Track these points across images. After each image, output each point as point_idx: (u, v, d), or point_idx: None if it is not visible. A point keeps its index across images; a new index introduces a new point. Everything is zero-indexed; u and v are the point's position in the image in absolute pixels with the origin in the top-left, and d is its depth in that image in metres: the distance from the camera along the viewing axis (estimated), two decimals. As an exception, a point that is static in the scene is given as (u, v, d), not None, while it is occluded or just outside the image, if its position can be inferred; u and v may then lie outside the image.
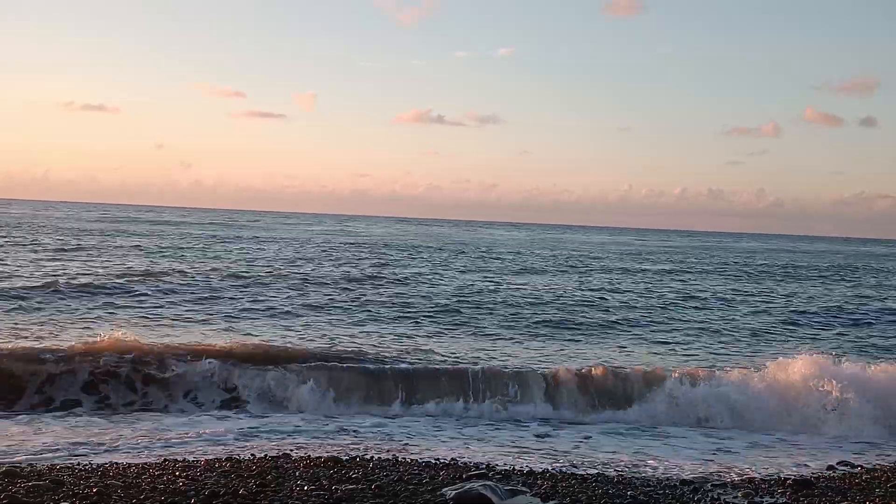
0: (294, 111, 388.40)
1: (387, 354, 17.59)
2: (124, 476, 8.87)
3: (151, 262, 35.61)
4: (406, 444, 11.70)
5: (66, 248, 40.52)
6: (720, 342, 22.36)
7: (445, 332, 21.49)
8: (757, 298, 34.07)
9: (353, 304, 25.33)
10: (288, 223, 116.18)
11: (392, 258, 47.51)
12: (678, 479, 10.16)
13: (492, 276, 38.87)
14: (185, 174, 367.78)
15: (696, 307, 29.80)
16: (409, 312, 24.19)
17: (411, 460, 10.49)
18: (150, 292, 24.55)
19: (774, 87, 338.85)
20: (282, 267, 36.64)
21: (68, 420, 12.28)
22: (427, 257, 50.41)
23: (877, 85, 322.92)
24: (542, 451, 11.64)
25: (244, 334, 19.20)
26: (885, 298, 36.46)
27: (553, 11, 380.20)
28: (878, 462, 11.83)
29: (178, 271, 31.19)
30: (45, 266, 30.57)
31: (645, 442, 12.61)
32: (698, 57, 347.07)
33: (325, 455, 10.47)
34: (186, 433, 11.61)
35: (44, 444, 10.76)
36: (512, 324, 23.24)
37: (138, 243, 48.13)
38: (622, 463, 11.17)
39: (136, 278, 27.49)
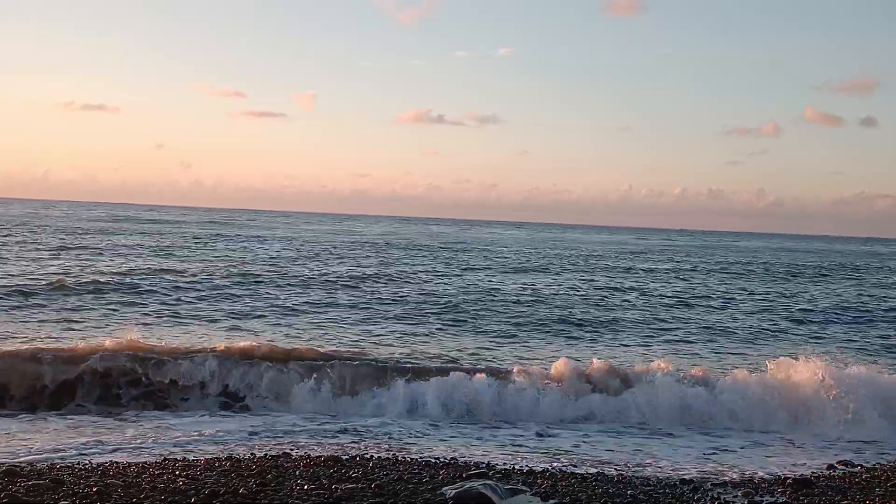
0: (294, 111, 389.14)
1: (388, 354, 17.59)
2: (124, 475, 8.87)
3: (153, 261, 35.61)
4: (406, 443, 11.69)
5: (68, 246, 40.52)
6: (728, 341, 22.26)
7: (446, 330, 21.47)
8: (763, 297, 34.02)
9: (354, 303, 25.33)
10: (288, 223, 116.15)
11: (392, 257, 47.51)
12: (678, 478, 10.16)
13: (494, 275, 38.85)
14: (185, 174, 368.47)
15: (702, 306, 29.75)
16: (409, 312, 24.18)
17: (411, 459, 10.48)
18: (153, 291, 24.55)
19: (774, 87, 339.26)
20: (283, 266, 36.65)
21: (73, 420, 12.25)
22: (428, 256, 50.41)
23: (877, 85, 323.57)
24: (541, 451, 11.63)
25: (248, 333, 19.22)
26: (886, 297, 36.46)
27: (553, 11, 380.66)
28: (878, 461, 11.82)
29: (180, 270, 31.19)
30: (47, 265, 30.57)
31: (644, 441, 12.60)
32: (698, 57, 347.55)
33: (325, 454, 10.47)
34: (190, 433, 11.59)
35: (48, 444, 10.73)
36: (514, 323, 23.23)
37: (140, 242, 48.14)
38: (622, 462, 11.17)
39: (139, 277, 27.50)
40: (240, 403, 13.55)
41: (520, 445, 11.93)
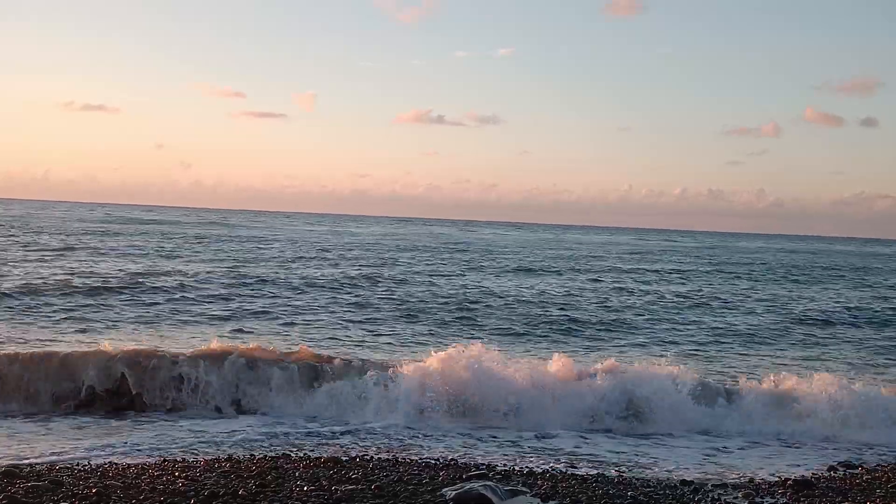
0: (294, 111, 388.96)
1: (384, 355, 17.59)
2: (123, 476, 8.85)
3: (154, 262, 35.63)
4: (406, 444, 11.67)
5: (69, 247, 40.52)
6: (747, 345, 22.11)
7: (448, 331, 21.44)
8: (772, 299, 33.93)
9: (355, 303, 25.31)
10: (288, 223, 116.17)
11: (393, 258, 47.48)
12: (678, 479, 10.15)
13: (496, 275, 38.84)
14: (184, 174, 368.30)
15: (714, 308, 29.70)
16: (411, 312, 24.16)
17: (411, 460, 10.48)
18: (154, 292, 24.53)
19: (774, 87, 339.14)
20: (284, 267, 36.64)
21: (79, 422, 12.21)
22: (429, 257, 50.39)
23: (877, 85, 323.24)
24: (542, 452, 11.61)
25: (249, 335, 19.22)
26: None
27: (553, 11, 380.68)
28: (878, 463, 11.80)
29: (182, 271, 31.20)
30: (51, 266, 30.56)
31: (644, 443, 12.58)
32: (698, 57, 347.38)
33: (325, 455, 10.46)
34: (190, 436, 11.57)
35: (55, 446, 10.71)
36: (516, 324, 23.22)
37: (141, 243, 48.13)
38: (622, 463, 11.15)
39: (140, 278, 27.49)
40: (242, 405, 13.50)
41: (519, 446, 11.91)
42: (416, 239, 79.88)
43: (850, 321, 28.07)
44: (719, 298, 33.22)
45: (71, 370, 13.37)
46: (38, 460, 9.78)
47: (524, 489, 9.09)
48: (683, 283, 40.31)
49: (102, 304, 21.89)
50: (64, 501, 7.77)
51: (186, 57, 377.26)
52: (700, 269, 53.01)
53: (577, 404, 13.49)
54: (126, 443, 10.97)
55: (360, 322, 22.04)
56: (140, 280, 27.04)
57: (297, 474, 9.23)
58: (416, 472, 9.68)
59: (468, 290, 30.70)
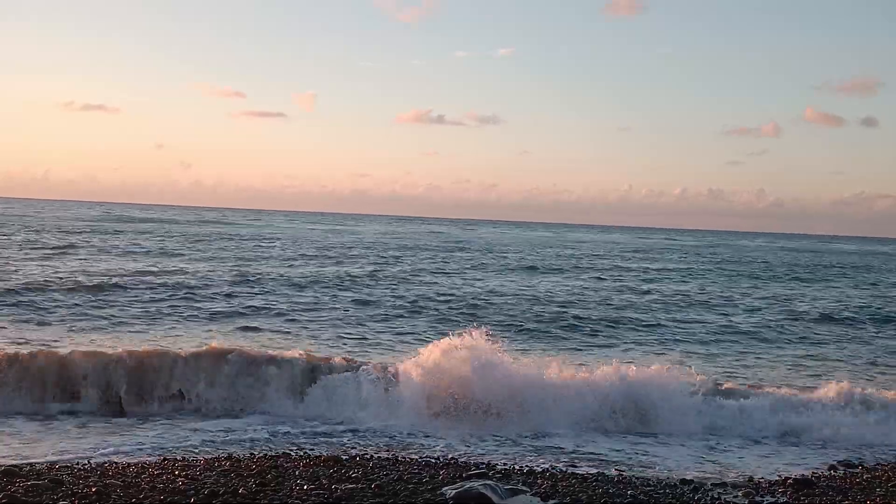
0: (294, 111, 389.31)
1: (386, 354, 17.58)
2: (123, 475, 8.85)
3: (155, 261, 35.63)
4: (406, 443, 11.67)
5: (70, 246, 40.53)
6: (753, 343, 22.04)
7: (451, 330, 21.38)
8: (777, 297, 33.84)
9: (357, 302, 25.30)
10: (288, 222, 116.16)
11: (394, 256, 47.47)
12: (678, 478, 10.15)
13: (497, 274, 38.82)
14: (184, 174, 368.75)
15: (718, 306, 29.65)
16: (413, 311, 24.14)
17: (411, 459, 10.47)
18: (155, 291, 24.51)
19: (775, 87, 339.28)
20: (285, 266, 36.64)
21: (80, 421, 12.17)
22: (430, 256, 50.36)
23: (877, 85, 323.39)
24: (542, 451, 11.61)
25: (251, 334, 19.24)
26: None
27: (553, 11, 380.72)
28: (878, 462, 11.80)
29: (183, 270, 31.20)
30: (51, 264, 30.57)
31: (644, 441, 12.56)
32: (698, 57, 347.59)
33: (325, 454, 10.46)
34: (191, 435, 11.56)
35: (56, 446, 10.69)
36: (518, 322, 23.21)
37: (142, 241, 48.13)
38: (622, 462, 11.14)
39: (142, 277, 27.51)
40: (241, 404, 13.47)
41: (519, 445, 11.90)
42: (417, 238, 79.88)
43: (858, 319, 28.07)
44: (722, 296, 33.23)
45: (71, 370, 13.32)
46: (39, 460, 9.77)
47: (524, 488, 9.09)
48: (686, 282, 40.32)
49: (103, 304, 21.86)
50: (64, 500, 7.77)
51: (186, 57, 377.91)
52: (703, 267, 53.03)
53: (578, 406, 13.43)
54: (127, 442, 10.96)
55: (361, 321, 22.02)
56: (141, 279, 27.05)
57: (297, 473, 9.23)
58: (416, 470, 9.68)
59: (470, 289, 30.69)
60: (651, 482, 9.82)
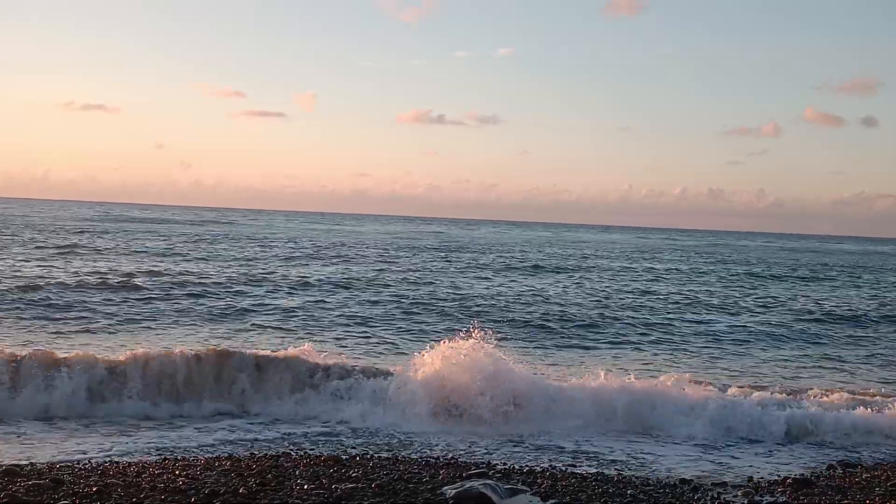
0: (294, 111, 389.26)
1: (387, 354, 17.60)
2: (124, 475, 8.86)
3: (155, 260, 35.66)
4: (406, 442, 11.68)
5: (70, 245, 40.54)
6: (774, 347, 21.94)
7: (454, 330, 21.39)
8: (785, 297, 33.85)
9: (358, 302, 25.32)
10: (288, 222, 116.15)
11: (395, 256, 47.48)
12: (678, 477, 10.16)
13: (498, 274, 38.83)
14: (185, 174, 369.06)
15: (725, 306, 29.65)
16: (415, 310, 24.15)
17: (411, 459, 10.48)
18: (155, 291, 24.54)
19: (775, 87, 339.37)
20: (286, 266, 36.66)
21: (80, 423, 12.16)
22: (431, 256, 50.37)
23: (877, 85, 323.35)
24: (541, 450, 11.62)
25: (253, 334, 19.26)
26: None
27: (553, 11, 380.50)
28: (877, 461, 11.81)
29: (183, 270, 31.21)
30: (51, 264, 30.59)
31: (644, 441, 12.57)
32: (698, 57, 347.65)
33: (326, 454, 10.47)
34: (192, 435, 11.57)
35: (58, 446, 10.70)
36: (522, 322, 23.22)
37: (142, 241, 48.16)
38: (621, 462, 11.15)
39: (143, 277, 27.53)
40: (241, 405, 13.47)
41: (519, 444, 11.90)
42: (418, 238, 79.88)
43: (865, 318, 28.12)
44: (728, 296, 33.24)
45: (73, 371, 13.31)
46: (41, 459, 9.78)
47: (524, 487, 9.11)
48: (691, 282, 40.30)
49: (104, 304, 21.89)
50: (64, 500, 7.79)
51: (186, 57, 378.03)
52: (708, 267, 52.98)
53: (579, 410, 13.43)
54: (128, 442, 10.97)
55: (362, 321, 22.05)
56: (142, 279, 27.08)
57: (297, 473, 9.24)
58: (417, 470, 9.69)
59: (472, 289, 30.72)
60: (650, 482, 9.84)
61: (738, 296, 34.19)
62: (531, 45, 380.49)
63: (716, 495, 9.29)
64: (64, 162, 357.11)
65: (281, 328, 20.40)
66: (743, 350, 21.22)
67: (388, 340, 19.59)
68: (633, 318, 25.40)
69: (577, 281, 37.57)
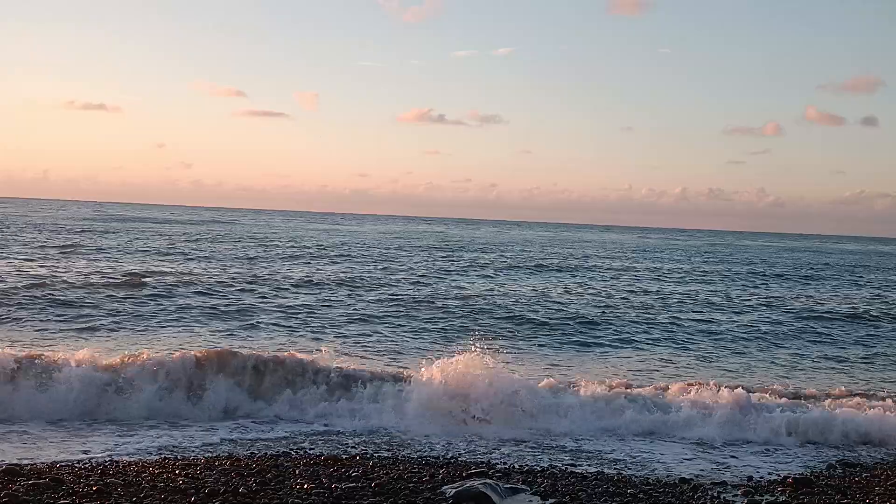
0: (296, 110, 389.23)
1: (388, 354, 17.60)
2: (124, 474, 8.87)
3: (155, 260, 35.68)
4: (406, 442, 11.68)
5: (70, 245, 40.57)
6: (781, 348, 21.84)
7: (456, 332, 21.42)
8: (796, 299, 33.72)
9: (359, 302, 25.32)
10: (289, 222, 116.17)
11: (396, 256, 47.46)
12: (678, 477, 10.17)
13: (500, 274, 38.82)
14: (185, 173, 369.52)
15: (740, 308, 29.59)
16: (417, 311, 24.12)
17: (411, 458, 10.49)
18: (155, 291, 24.54)
19: (776, 87, 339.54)
20: (286, 267, 36.66)
21: (81, 424, 12.18)
22: (432, 255, 50.34)
23: (878, 84, 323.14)
24: (542, 450, 11.62)
25: (254, 335, 19.26)
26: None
27: (554, 11, 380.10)
28: (877, 461, 11.81)
29: (183, 271, 31.23)
30: (50, 264, 30.61)
31: (643, 441, 12.57)
32: (699, 56, 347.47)
33: (325, 453, 10.48)
34: (194, 435, 11.56)
35: (60, 447, 10.70)
36: (525, 322, 23.22)
37: (144, 242, 48.18)
38: (621, 461, 11.15)
39: (144, 277, 27.53)
40: (241, 406, 13.47)
41: (519, 444, 11.90)
42: (419, 238, 79.88)
43: (875, 317, 28.11)
44: (734, 297, 33.21)
45: (73, 373, 13.30)
46: (42, 459, 9.78)
47: (524, 487, 9.12)
48: (695, 282, 40.28)
49: (107, 303, 21.90)
50: (65, 499, 7.79)
51: (187, 56, 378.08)
52: (712, 267, 52.93)
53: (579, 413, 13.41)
54: (129, 442, 10.97)
55: (364, 319, 22.05)
56: (144, 278, 27.11)
57: (297, 472, 9.25)
58: (416, 469, 9.69)
59: (472, 288, 30.71)
60: (650, 481, 9.84)
61: (739, 295, 34.18)
62: (532, 45, 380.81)
63: (716, 494, 9.30)
64: (64, 161, 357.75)
65: (282, 327, 20.40)
66: (742, 349, 21.23)
67: (389, 339, 19.59)
68: (634, 317, 25.38)
69: (577, 280, 37.56)
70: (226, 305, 23.09)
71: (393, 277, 33.49)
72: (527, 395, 13.39)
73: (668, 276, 43.55)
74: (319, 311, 23.12)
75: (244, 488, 8.38)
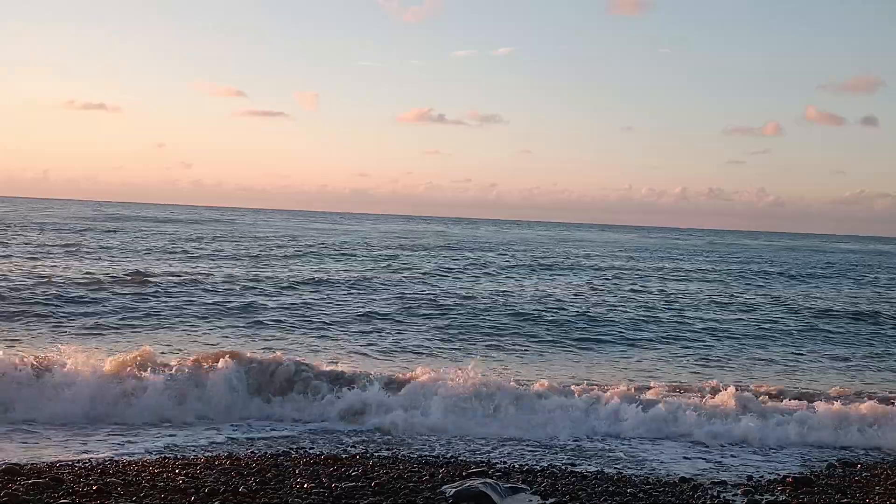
0: (296, 110, 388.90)
1: (390, 354, 17.61)
2: (124, 474, 8.87)
3: (155, 260, 35.67)
4: (406, 441, 11.68)
5: (69, 245, 40.59)
6: (790, 348, 21.73)
7: (458, 333, 21.41)
8: (803, 298, 33.64)
9: (360, 302, 25.32)
10: (290, 221, 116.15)
11: (396, 255, 47.42)
12: (678, 476, 10.16)
13: (500, 274, 38.80)
14: (185, 173, 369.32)
15: (746, 308, 29.47)
16: (418, 311, 24.11)
17: (411, 458, 10.48)
18: (155, 292, 24.54)
19: (776, 87, 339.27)
20: (286, 266, 36.67)
21: (80, 426, 12.18)
22: (432, 255, 50.30)
23: (878, 84, 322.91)
24: (541, 449, 11.61)
25: (255, 336, 19.28)
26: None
27: (555, 11, 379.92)
28: (877, 460, 11.80)
29: (183, 271, 31.23)
30: (49, 265, 30.62)
31: (643, 440, 12.55)
32: (700, 56, 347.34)
33: (325, 453, 10.48)
34: (195, 434, 11.57)
35: (62, 447, 10.71)
36: (528, 323, 23.21)
37: (144, 242, 48.17)
38: (621, 461, 11.15)
39: (144, 277, 27.54)
40: (241, 406, 13.46)
41: (519, 444, 11.90)
42: (419, 237, 79.85)
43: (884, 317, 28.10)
44: (739, 296, 33.18)
45: (73, 376, 13.29)
46: (42, 459, 9.78)
47: (524, 486, 9.12)
48: (696, 281, 40.27)
49: (108, 303, 21.90)
50: (65, 499, 7.80)
51: (187, 56, 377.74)
52: (716, 267, 52.85)
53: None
54: (130, 441, 10.97)
55: (365, 318, 22.06)
56: (147, 277, 27.12)
57: (297, 471, 9.25)
58: (416, 469, 9.69)
59: (473, 287, 30.70)
60: (650, 480, 9.84)
61: (741, 294, 34.17)
62: (532, 45, 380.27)
63: (715, 494, 9.30)
64: (64, 161, 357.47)
65: (284, 326, 20.41)
66: (740, 348, 21.24)
67: (389, 339, 19.59)
68: (635, 316, 25.38)
69: (578, 280, 37.56)
70: (228, 304, 23.11)
71: (394, 277, 33.48)
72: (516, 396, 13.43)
73: (669, 275, 43.53)
74: (320, 310, 23.12)
75: (244, 487, 8.39)
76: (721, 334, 23.16)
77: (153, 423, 12.08)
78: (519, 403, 13.26)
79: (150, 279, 26.90)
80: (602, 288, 34.00)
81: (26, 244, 40.48)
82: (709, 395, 14.47)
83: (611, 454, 11.50)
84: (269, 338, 18.89)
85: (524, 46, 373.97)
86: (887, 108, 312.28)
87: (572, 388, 14.23)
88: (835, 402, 14.07)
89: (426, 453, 10.90)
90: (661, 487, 9.47)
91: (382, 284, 30.35)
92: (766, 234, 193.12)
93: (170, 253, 40.66)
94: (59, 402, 12.16)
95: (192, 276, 28.64)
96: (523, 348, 19.62)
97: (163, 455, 10.13)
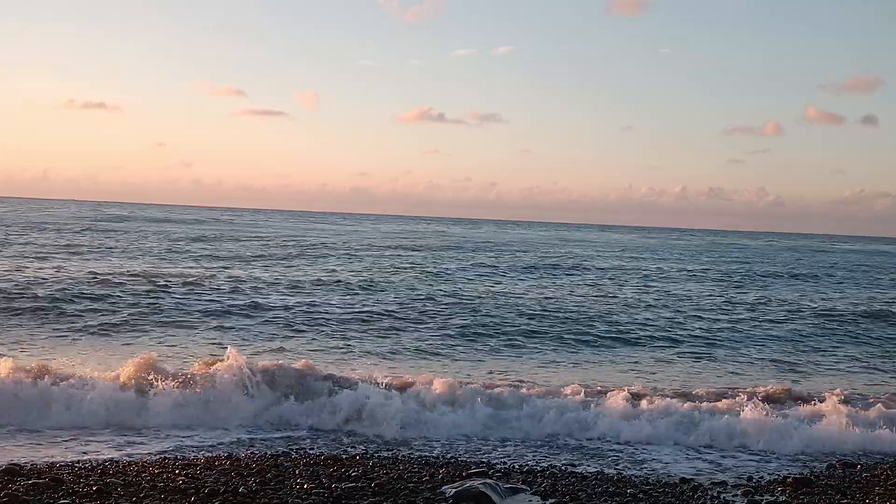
0: (296, 110, 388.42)
1: (391, 355, 17.60)
2: (124, 474, 8.87)
3: (154, 261, 35.68)
4: (406, 442, 11.68)
5: (68, 245, 40.59)
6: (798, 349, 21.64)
7: (459, 335, 21.40)
8: (808, 299, 33.53)
9: (360, 303, 25.32)
10: (290, 221, 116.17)
11: (396, 255, 47.44)
12: (678, 477, 10.17)
13: (502, 274, 38.79)
14: (185, 173, 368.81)
15: (752, 308, 29.44)
16: (419, 311, 24.09)
17: (411, 458, 10.49)
18: (155, 292, 24.53)
19: (776, 86, 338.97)
20: (286, 267, 36.66)
21: (81, 429, 12.17)
22: (433, 255, 50.30)
23: (878, 83, 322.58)
24: (541, 449, 11.62)
25: (255, 337, 19.28)
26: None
27: (555, 11, 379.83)
28: (878, 461, 11.80)
29: (182, 272, 31.22)
30: (48, 265, 30.63)
31: (644, 440, 12.54)
32: (699, 56, 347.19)
33: (325, 453, 10.48)
34: (195, 434, 11.57)
35: (62, 448, 10.73)
36: (529, 323, 23.21)
37: (145, 242, 48.18)
38: (621, 461, 11.15)
39: (145, 278, 27.52)
40: (241, 407, 13.46)
41: (519, 444, 11.90)
42: (420, 236, 79.87)
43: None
44: (743, 297, 33.15)
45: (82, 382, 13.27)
46: (42, 459, 9.78)
47: (524, 487, 9.12)
48: (696, 281, 40.25)
49: (111, 304, 21.90)
50: (64, 499, 7.80)
51: (187, 55, 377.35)
52: (712, 266, 52.84)
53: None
54: (131, 443, 10.98)
55: (366, 318, 22.05)
56: (149, 279, 27.10)
57: (297, 472, 9.25)
58: (416, 469, 9.70)
59: (474, 287, 30.69)
60: (650, 481, 9.85)
61: (740, 294, 34.16)
62: (532, 45, 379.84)
63: (716, 494, 9.30)
64: (64, 161, 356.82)
65: (285, 327, 20.40)
66: (739, 346, 21.23)
67: (390, 338, 19.59)
68: (636, 316, 25.38)
69: (578, 280, 37.55)
70: (231, 304, 23.10)
71: (394, 276, 33.48)
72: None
73: (670, 275, 43.53)
74: (322, 311, 23.10)
75: (244, 488, 8.39)
76: (722, 334, 23.14)
77: (156, 426, 12.07)
78: (519, 404, 13.27)
79: (153, 279, 26.89)
80: (604, 288, 33.99)
81: (26, 244, 40.48)
82: (710, 395, 14.48)
83: (611, 454, 11.50)
84: (272, 338, 18.89)
85: (524, 46, 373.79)
86: (887, 108, 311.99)
87: (573, 388, 14.24)
88: (838, 404, 14.06)
89: (426, 454, 10.91)
90: (661, 488, 9.47)
91: (384, 285, 30.33)
92: (765, 234, 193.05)
93: (172, 253, 40.67)
94: (62, 413, 12.11)
95: (195, 277, 28.64)
96: (525, 348, 19.62)
97: (163, 455, 10.14)
